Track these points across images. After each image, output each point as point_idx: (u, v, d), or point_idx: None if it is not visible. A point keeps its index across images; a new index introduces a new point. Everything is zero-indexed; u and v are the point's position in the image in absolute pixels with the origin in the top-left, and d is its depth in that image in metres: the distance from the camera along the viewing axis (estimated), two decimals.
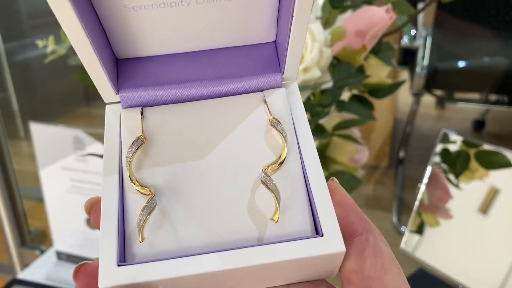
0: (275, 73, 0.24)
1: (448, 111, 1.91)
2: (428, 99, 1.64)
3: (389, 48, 0.48)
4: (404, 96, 1.61)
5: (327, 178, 0.22)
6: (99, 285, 0.19)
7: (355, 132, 0.54)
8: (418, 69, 1.23)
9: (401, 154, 1.43)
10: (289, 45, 0.22)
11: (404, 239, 0.70)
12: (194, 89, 0.24)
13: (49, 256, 0.83)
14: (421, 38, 1.22)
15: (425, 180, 0.70)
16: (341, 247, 0.19)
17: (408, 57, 1.32)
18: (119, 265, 0.20)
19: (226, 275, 0.19)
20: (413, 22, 1.26)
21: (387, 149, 1.46)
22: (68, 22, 0.19)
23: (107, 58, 0.23)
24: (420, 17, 1.23)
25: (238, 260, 0.19)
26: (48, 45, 0.51)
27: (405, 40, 1.28)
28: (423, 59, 1.22)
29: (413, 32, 1.27)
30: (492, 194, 0.63)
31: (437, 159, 0.69)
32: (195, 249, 0.21)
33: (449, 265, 0.65)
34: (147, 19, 0.22)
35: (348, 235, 0.21)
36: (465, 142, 0.67)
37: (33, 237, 0.96)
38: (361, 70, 0.47)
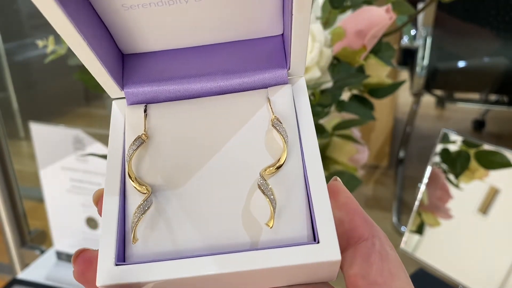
0: (281, 68, 0.23)
1: (448, 111, 1.91)
2: (428, 99, 1.64)
3: (389, 48, 0.48)
4: (404, 96, 1.61)
5: (327, 179, 0.21)
6: (97, 283, 0.19)
7: (355, 132, 0.54)
8: (418, 69, 1.23)
9: (401, 154, 1.43)
10: (292, 36, 0.21)
11: (404, 239, 0.70)
12: (199, 84, 0.23)
13: (49, 256, 0.83)
14: (421, 38, 1.22)
15: (425, 180, 0.70)
16: (337, 256, 0.19)
17: (408, 57, 1.32)
18: (116, 265, 0.20)
19: (218, 279, 0.19)
20: (413, 22, 1.26)
21: (387, 149, 1.46)
22: (59, 23, 0.19)
23: (111, 54, 0.23)
24: (420, 17, 1.23)
25: (230, 264, 0.19)
26: (48, 45, 0.51)
27: (405, 40, 1.28)
28: (423, 59, 1.22)
29: (413, 32, 1.27)
30: (492, 194, 0.63)
31: (437, 159, 0.69)
32: (192, 251, 0.21)
33: (449, 265, 0.65)
34: (146, 17, 0.22)
35: (353, 240, 0.20)
36: (465, 142, 0.67)
37: (33, 237, 0.96)
38: (361, 70, 0.47)
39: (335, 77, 0.45)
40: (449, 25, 1.20)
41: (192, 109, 0.24)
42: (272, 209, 0.20)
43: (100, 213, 0.21)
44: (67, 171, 0.74)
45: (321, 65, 0.42)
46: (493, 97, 1.38)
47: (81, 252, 0.21)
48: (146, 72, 0.24)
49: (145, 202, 0.21)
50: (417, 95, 1.34)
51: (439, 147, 0.69)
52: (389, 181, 1.43)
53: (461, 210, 0.66)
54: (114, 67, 0.23)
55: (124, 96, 0.24)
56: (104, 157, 0.53)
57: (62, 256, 0.80)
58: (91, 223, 0.76)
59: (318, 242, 0.19)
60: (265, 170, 0.21)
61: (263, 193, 0.20)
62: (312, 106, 0.44)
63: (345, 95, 0.48)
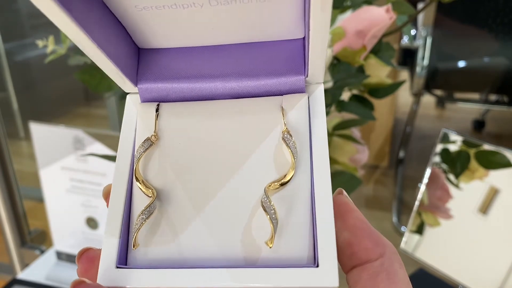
0: (299, 74, 0.22)
1: (448, 111, 1.91)
2: (428, 99, 1.64)
3: (389, 48, 0.48)
4: (404, 96, 1.61)
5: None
6: (99, 282, 0.20)
7: (355, 132, 0.54)
8: (418, 69, 1.23)
9: (401, 154, 1.43)
10: (310, 38, 0.19)
11: (404, 239, 0.70)
12: (212, 84, 0.23)
13: (49, 256, 0.83)
14: (421, 38, 1.22)
15: (425, 180, 0.70)
16: (334, 282, 0.18)
17: (408, 57, 1.32)
18: (117, 267, 0.20)
19: None
20: (413, 22, 1.26)
21: (387, 149, 1.46)
22: (64, 26, 0.18)
23: (126, 50, 0.23)
24: (420, 17, 1.23)
25: (226, 280, 0.19)
26: (48, 45, 0.51)
27: (405, 40, 1.28)
28: (423, 59, 1.22)
29: (413, 32, 1.27)
30: (492, 194, 0.63)
31: (437, 159, 0.69)
32: (192, 260, 0.21)
33: (449, 265, 0.65)
34: (160, 17, 0.21)
35: (360, 261, 0.20)
36: (465, 142, 0.67)
37: (33, 237, 0.96)
38: (361, 70, 0.47)
39: (335, 77, 0.45)
40: (449, 25, 1.20)
41: (204, 113, 0.23)
42: (272, 228, 0.20)
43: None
44: (67, 171, 0.74)
45: None
46: (493, 97, 1.38)
47: (85, 251, 0.21)
48: (160, 68, 0.23)
49: (149, 208, 0.21)
50: (417, 95, 1.34)
51: (439, 147, 0.69)
52: (389, 181, 1.43)
53: (461, 210, 0.66)
54: (128, 63, 0.23)
55: (137, 91, 0.24)
56: (104, 157, 0.53)
57: (62, 256, 0.80)
58: (91, 223, 0.76)
59: (318, 266, 0.19)
60: (270, 186, 0.21)
61: (265, 211, 0.20)
62: None
63: (345, 95, 0.48)
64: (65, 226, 0.78)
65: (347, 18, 0.44)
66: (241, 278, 0.19)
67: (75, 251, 0.79)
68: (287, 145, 0.21)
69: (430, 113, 1.88)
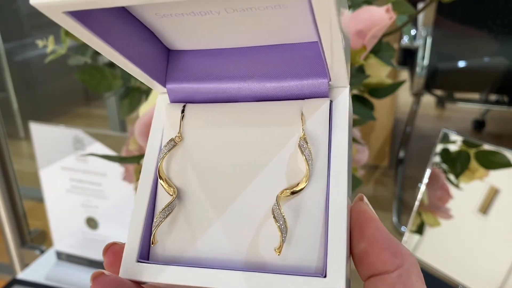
0: (321, 77, 0.22)
1: (448, 111, 1.91)
2: (428, 99, 1.64)
3: (389, 48, 0.48)
4: (404, 96, 1.61)
5: None
6: (119, 275, 0.21)
7: (355, 132, 0.54)
8: (418, 69, 1.23)
9: (401, 154, 1.43)
10: (321, 42, 0.19)
11: (404, 239, 0.70)
12: (236, 85, 0.23)
13: (49, 256, 0.83)
14: (421, 38, 1.22)
15: (425, 180, 0.70)
16: None
17: (408, 57, 1.32)
18: (138, 261, 0.21)
19: None
20: (413, 22, 1.26)
21: (387, 149, 1.46)
22: (87, 39, 0.19)
23: (153, 53, 0.23)
24: (420, 17, 1.23)
25: (231, 282, 0.20)
26: (48, 45, 0.51)
27: (405, 40, 1.28)
28: (423, 59, 1.22)
29: (413, 32, 1.27)
30: (492, 194, 0.63)
31: (437, 159, 0.69)
32: (205, 260, 0.21)
33: (449, 265, 0.65)
34: (182, 23, 0.22)
35: (377, 272, 0.19)
36: (465, 142, 0.67)
37: (33, 237, 0.96)
38: (361, 70, 0.47)
39: None
40: (449, 25, 1.20)
41: (226, 115, 0.23)
42: (281, 236, 0.20)
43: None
44: (67, 171, 0.74)
45: None
46: (493, 97, 1.38)
47: (111, 245, 0.22)
48: (187, 69, 0.24)
49: (169, 206, 0.22)
50: (417, 95, 1.34)
51: (439, 147, 0.69)
52: (389, 181, 1.43)
53: (461, 210, 0.66)
54: (156, 65, 0.23)
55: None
56: (104, 157, 0.53)
57: (62, 256, 0.80)
58: (91, 223, 0.76)
59: (325, 277, 0.19)
60: (282, 193, 0.21)
61: (274, 218, 0.20)
62: None
63: None
64: (65, 226, 0.78)
65: None
66: (248, 282, 0.19)
67: (75, 251, 0.79)
68: (302, 152, 0.21)
69: (430, 113, 1.88)
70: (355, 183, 0.49)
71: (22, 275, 0.79)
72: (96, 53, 0.57)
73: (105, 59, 0.61)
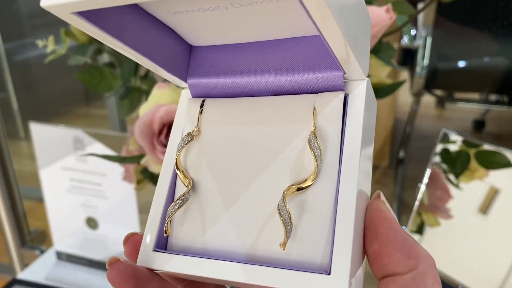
0: (336, 70, 0.21)
1: (448, 111, 1.91)
2: (428, 99, 1.64)
3: (389, 48, 0.48)
4: (404, 96, 1.61)
5: None
6: (137, 263, 0.22)
7: None
8: (418, 69, 1.23)
9: (401, 154, 1.43)
10: (323, 36, 0.18)
11: None
12: (252, 79, 0.23)
13: (49, 256, 0.83)
14: (421, 38, 1.22)
15: (425, 180, 0.70)
16: None
17: (408, 57, 1.32)
18: (154, 250, 0.22)
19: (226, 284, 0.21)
20: (413, 22, 1.26)
21: (387, 149, 1.46)
22: (105, 40, 0.19)
23: (173, 49, 0.24)
24: (420, 17, 1.23)
25: (236, 274, 0.20)
26: (48, 45, 0.51)
27: (405, 40, 1.28)
28: (423, 59, 1.22)
29: (413, 32, 1.27)
30: (492, 194, 0.63)
31: (437, 159, 0.69)
32: (213, 252, 0.22)
33: (449, 265, 0.65)
34: (194, 19, 0.22)
35: (390, 273, 0.19)
36: (465, 142, 0.67)
37: (33, 237, 0.96)
38: None
39: None
40: (449, 25, 1.20)
41: (242, 110, 0.24)
42: (285, 232, 0.20)
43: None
44: (67, 171, 0.74)
45: None
46: (493, 97, 1.38)
47: (131, 236, 0.23)
48: (207, 64, 0.25)
49: (183, 197, 0.22)
50: (417, 95, 1.34)
51: (439, 147, 0.69)
52: (389, 181, 1.42)
53: (461, 210, 0.66)
54: (177, 61, 0.24)
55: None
56: (104, 157, 0.53)
57: (62, 256, 0.80)
58: (91, 223, 0.76)
59: (329, 274, 0.19)
60: (288, 189, 0.20)
61: (279, 214, 0.20)
62: None
63: None
64: (65, 226, 0.78)
65: None
66: (252, 275, 0.20)
67: (75, 251, 0.79)
68: (311, 148, 0.20)
69: (430, 113, 1.88)
70: None
71: (22, 275, 0.79)
72: (96, 53, 0.57)
73: (105, 59, 0.61)
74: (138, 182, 0.55)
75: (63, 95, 1.97)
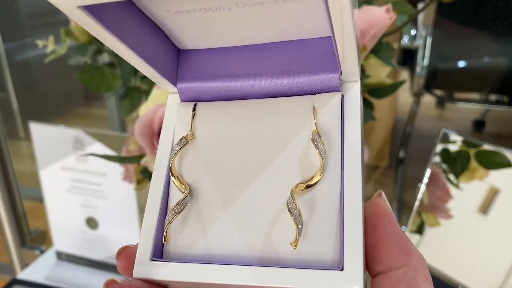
0: (332, 72, 0.22)
1: (448, 111, 1.91)
2: (428, 99, 1.64)
3: (389, 48, 0.48)
4: (404, 96, 1.61)
5: None
6: (133, 275, 0.21)
7: None
8: (418, 69, 1.23)
9: (401, 154, 1.43)
10: (335, 37, 0.19)
11: None
12: (247, 82, 0.23)
13: (49, 256, 0.83)
14: (421, 38, 1.22)
15: (425, 180, 0.70)
16: (359, 286, 0.18)
17: (408, 57, 1.32)
18: (152, 260, 0.21)
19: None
20: (413, 22, 1.26)
21: (387, 149, 1.46)
22: (100, 35, 0.19)
23: (164, 52, 0.23)
24: (420, 17, 1.23)
25: (247, 278, 0.19)
26: (48, 45, 0.51)
27: (405, 40, 1.28)
28: (423, 59, 1.22)
29: (413, 32, 1.27)
30: (492, 194, 0.63)
31: (437, 159, 0.69)
32: (217, 257, 0.21)
33: (449, 265, 0.65)
34: (193, 20, 0.22)
35: (384, 268, 0.19)
36: (465, 142, 0.67)
37: (33, 237, 0.96)
38: (361, 70, 0.47)
39: None
40: (449, 25, 1.20)
41: (237, 113, 0.23)
42: (296, 230, 0.20)
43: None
44: (67, 171, 0.74)
45: None
46: (493, 97, 1.38)
47: (124, 249, 0.22)
48: (198, 68, 0.24)
49: (181, 203, 0.22)
50: (417, 95, 1.34)
51: (439, 147, 0.69)
52: (389, 181, 1.43)
53: (461, 210, 0.66)
54: (167, 64, 0.24)
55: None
56: (104, 157, 0.53)
57: (62, 256, 0.80)
58: (91, 223, 0.76)
59: (342, 269, 0.19)
60: (296, 187, 0.21)
61: (290, 212, 0.20)
62: None
63: None
64: (65, 226, 0.78)
65: None
66: (264, 277, 0.19)
67: (75, 251, 0.79)
68: (315, 146, 0.21)
69: (430, 113, 1.88)
70: None
71: (22, 275, 0.79)
72: (96, 53, 0.57)
73: (105, 59, 0.61)
74: (138, 182, 0.55)
75: (63, 95, 1.97)
